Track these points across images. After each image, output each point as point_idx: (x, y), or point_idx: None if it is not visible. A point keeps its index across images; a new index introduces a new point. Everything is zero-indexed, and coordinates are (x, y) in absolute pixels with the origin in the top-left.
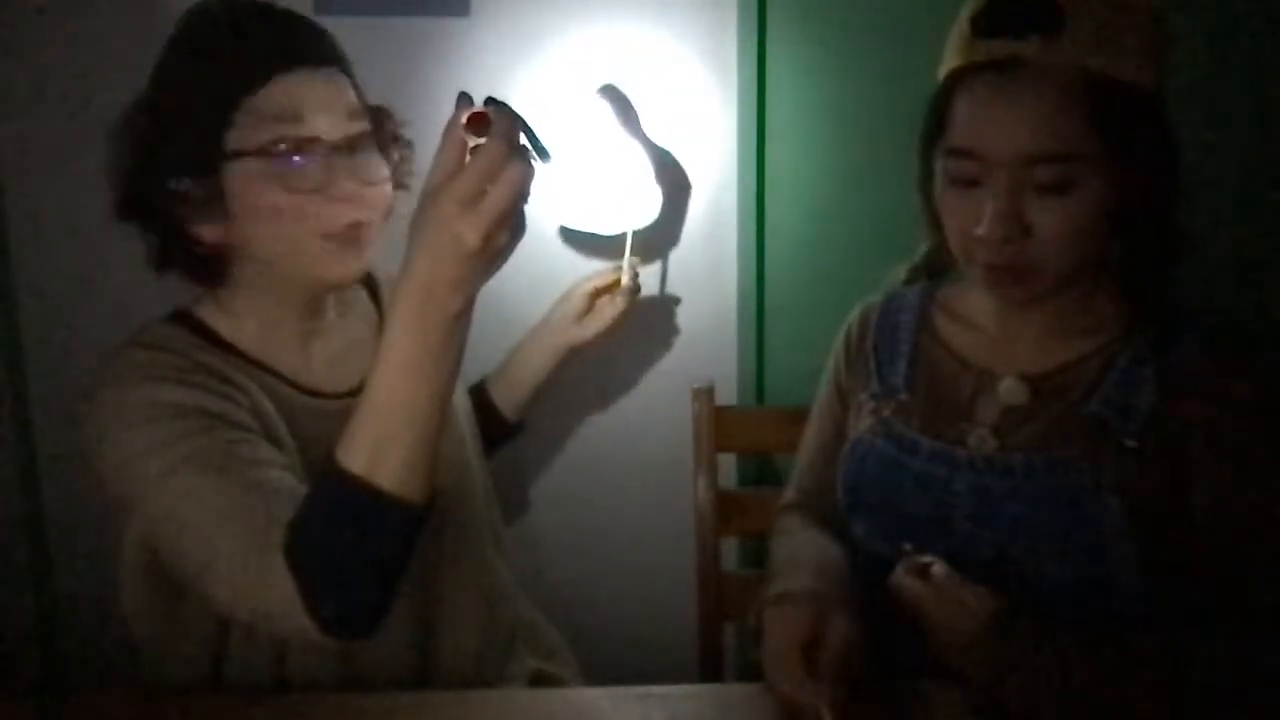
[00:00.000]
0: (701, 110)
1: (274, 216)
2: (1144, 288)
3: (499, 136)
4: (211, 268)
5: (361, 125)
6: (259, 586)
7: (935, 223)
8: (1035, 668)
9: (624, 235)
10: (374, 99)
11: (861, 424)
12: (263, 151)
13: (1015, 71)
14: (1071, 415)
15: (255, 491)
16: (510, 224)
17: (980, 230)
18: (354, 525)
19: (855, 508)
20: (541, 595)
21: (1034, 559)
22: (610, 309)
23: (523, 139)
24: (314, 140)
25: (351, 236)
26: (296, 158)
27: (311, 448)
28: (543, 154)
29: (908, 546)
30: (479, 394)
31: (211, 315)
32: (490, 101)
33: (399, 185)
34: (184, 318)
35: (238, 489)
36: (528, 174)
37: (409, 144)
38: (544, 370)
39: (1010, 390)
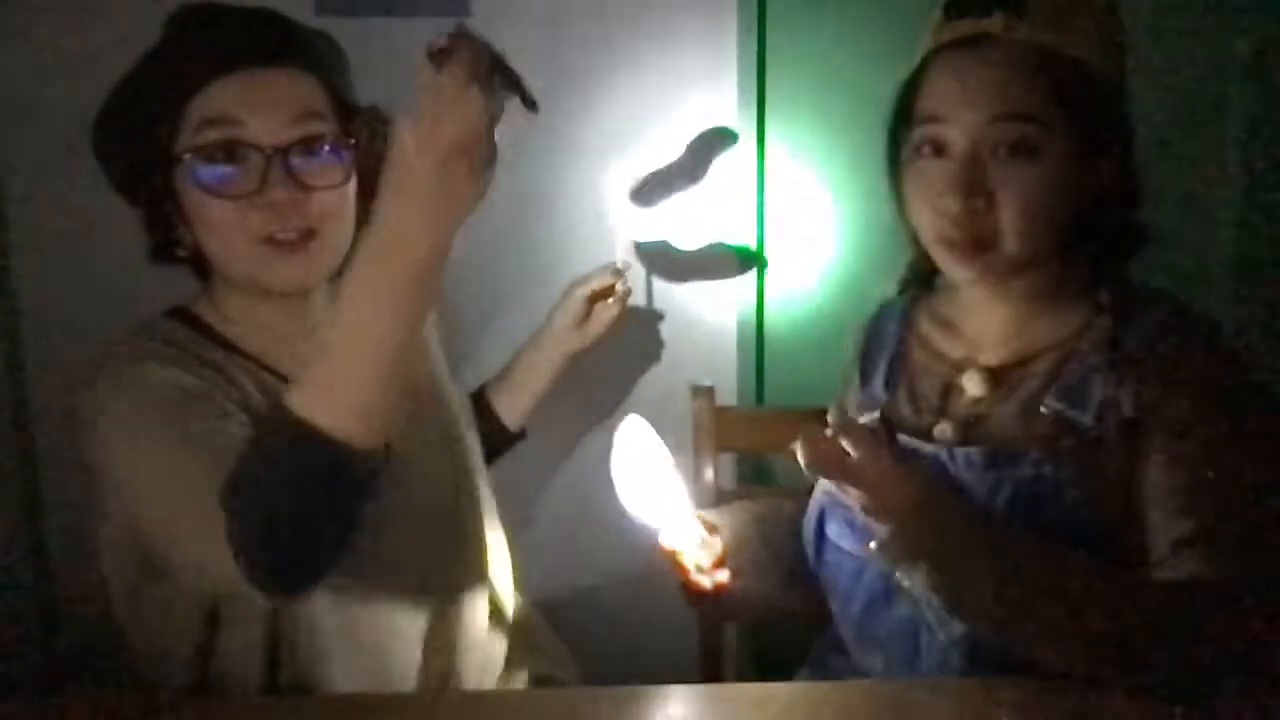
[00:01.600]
0: (701, 108)
1: (210, 222)
2: (1105, 279)
3: (455, 66)
4: (198, 264)
5: (313, 128)
6: (201, 536)
7: (906, 217)
8: (963, 547)
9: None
10: (372, 99)
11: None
12: (194, 155)
13: (980, 44)
14: (1033, 407)
15: (226, 463)
16: (471, 158)
17: (944, 197)
18: (292, 467)
19: (832, 505)
20: (540, 595)
21: None
22: (607, 314)
23: (502, 86)
24: (249, 144)
25: (296, 244)
26: (224, 165)
27: None
28: (529, 103)
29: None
30: (479, 401)
31: (207, 312)
32: (459, 35)
33: None
34: (182, 314)
35: (212, 467)
36: (484, 105)
37: None
38: (547, 378)
39: (970, 382)
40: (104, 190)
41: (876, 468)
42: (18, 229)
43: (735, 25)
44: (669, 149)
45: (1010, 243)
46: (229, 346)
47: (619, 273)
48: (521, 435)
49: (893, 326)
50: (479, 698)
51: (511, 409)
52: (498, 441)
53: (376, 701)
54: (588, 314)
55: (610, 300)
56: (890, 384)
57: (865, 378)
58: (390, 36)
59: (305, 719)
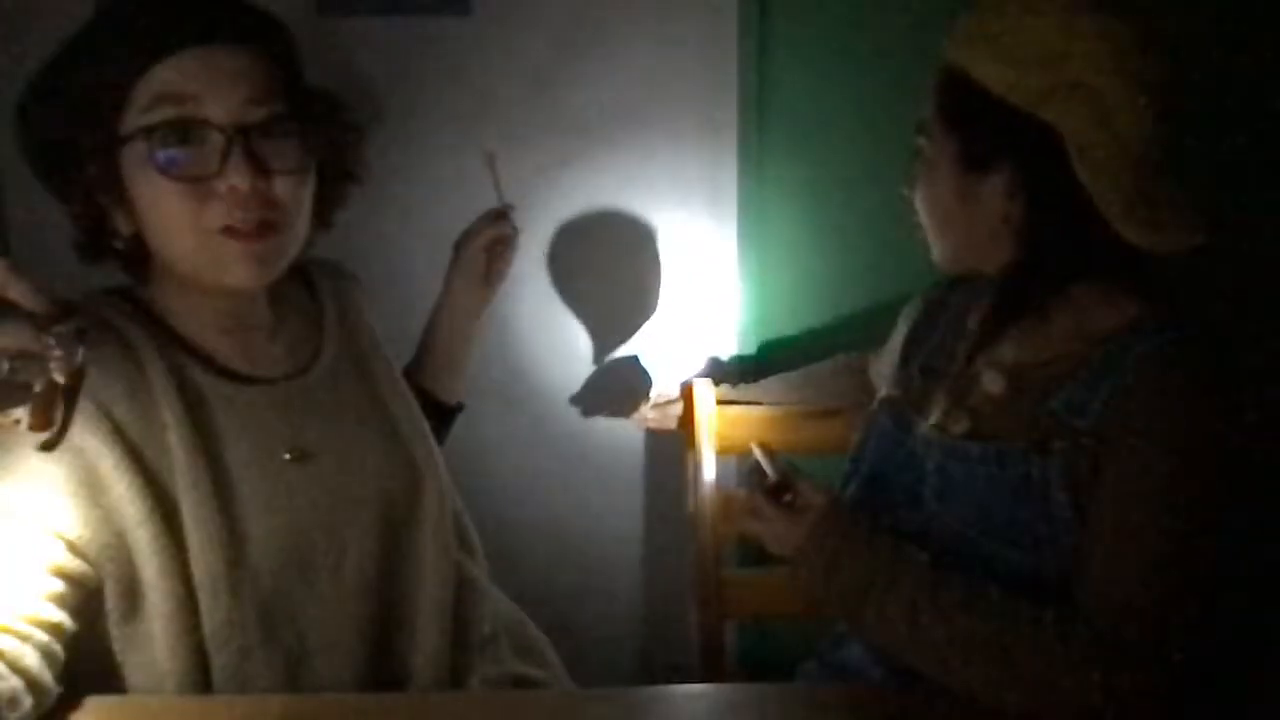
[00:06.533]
0: (701, 110)
1: (164, 209)
2: (1131, 292)
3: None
4: (135, 261)
5: (270, 109)
6: None
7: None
8: (856, 567)
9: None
10: (371, 98)
11: (879, 396)
12: (148, 135)
13: None
14: (1037, 411)
15: None
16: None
17: None
18: None
19: (853, 476)
20: (537, 597)
21: (990, 542)
22: (503, 262)
23: None
24: (203, 123)
25: (253, 236)
26: (181, 146)
27: (225, 434)
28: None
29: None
30: (410, 383)
31: (150, 295)
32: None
33: (350, 177)
34: (124, 293)
35: None
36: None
37: (358, 132)
38: (469, 343)
39: (989, 380)
40: None
41: (766, 514)
42: (18, 232)
43: (736, 21)
44: (668, 143)
45: (930, 242)
46: (165, 329)
47: (504, 215)
48: (460, 407)
49: (951, 312)
50: (477, 698)
51: (447, 386)
52: (441, 418)
53: (374, 702)
54: (488, 268)
55: (507, 251)
56: (925, 363)
57: (906, 350)
58: (390, 36)
59: (302, 719)
